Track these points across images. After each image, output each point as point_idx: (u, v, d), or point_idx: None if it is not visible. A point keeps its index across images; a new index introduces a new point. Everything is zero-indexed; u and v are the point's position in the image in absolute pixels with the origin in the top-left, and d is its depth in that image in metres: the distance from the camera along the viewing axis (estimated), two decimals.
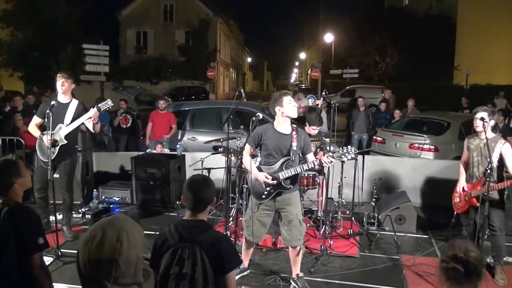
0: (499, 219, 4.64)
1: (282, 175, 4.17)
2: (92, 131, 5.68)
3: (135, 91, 21.16)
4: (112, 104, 5.59)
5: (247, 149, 4.38)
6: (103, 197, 7.25)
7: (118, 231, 1.53)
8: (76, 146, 5.80)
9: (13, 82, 23.56)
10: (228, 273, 2.36)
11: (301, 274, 4.45)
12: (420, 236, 5.99)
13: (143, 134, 9.49)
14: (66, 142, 5.37)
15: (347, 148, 4.08)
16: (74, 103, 5.49)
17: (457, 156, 8.85)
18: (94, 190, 7.17)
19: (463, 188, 4.94)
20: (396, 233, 5.69)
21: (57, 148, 5.35)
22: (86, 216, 6.51)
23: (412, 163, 7.87)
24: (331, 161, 4.02)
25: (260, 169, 4.27)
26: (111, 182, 7.54)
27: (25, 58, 23.24)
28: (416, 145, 9.21)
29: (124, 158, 7.95)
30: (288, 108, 4.16)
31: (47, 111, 5.09)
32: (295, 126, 4.33)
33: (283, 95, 4.22)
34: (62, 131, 5.35)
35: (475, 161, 4.74)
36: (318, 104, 12.31)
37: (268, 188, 4.21)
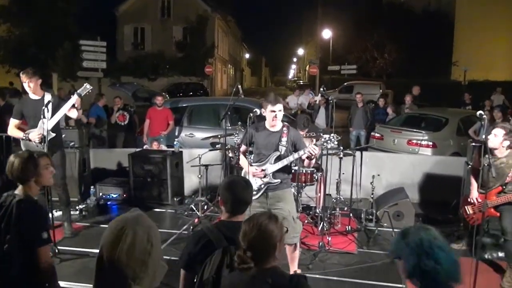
0: (511, 224, 4.54)
1: (271, 168, 4.17)
2: (75, 118, 5.61)
3: (133, 87, 21.09)
4: (92, 87, 5.48)
5: (242, 148, 4.43)
6: (101, 194, 7.21)
7: (147, 231, 1.50)
8: (76, 142, 5.71)
9: (10, 79, 23.47)
10: None
11: (298, 271, 4.42)
12: None
13: (140, 131, 9.46)
14: (54, 135, 5.25)
15: (329, 135, 4.07)
16: (48, 97, 5.32)
17: (455, 152, 8.88)
18: (92, 187, 7.14)
19: (476, 199, 4.85)
20: (394, 230, 5.68)
21: (46, 143, 5.21)
22: (84, 213, 6.49)
23: (410, 159, 7.86)
24: (314, 148, 3.99)
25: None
26: (108, 179, 7.51)
27: (22, 54, 23.14)
28: (414, 141, 9.21)
29: (121, 155, 7.92)
30: (267, 115, 4.17)
31: (44, 107, 5.03)
32: (286, 123, 4.32)
33: (268, 102, 4.16)
34: (47, 125, 5.17)
35: (488, 176, 4.63)
36: (316, 101, 12.31)
37: (258, 184, 4.20)
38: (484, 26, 27.76)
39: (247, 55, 68.20)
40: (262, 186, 4.23)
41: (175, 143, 7.82)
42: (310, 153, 3.99)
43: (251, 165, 4.26)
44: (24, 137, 5.25)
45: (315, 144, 4.05)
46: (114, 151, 8.70)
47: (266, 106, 4.18)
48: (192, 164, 6.82)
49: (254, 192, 4.23)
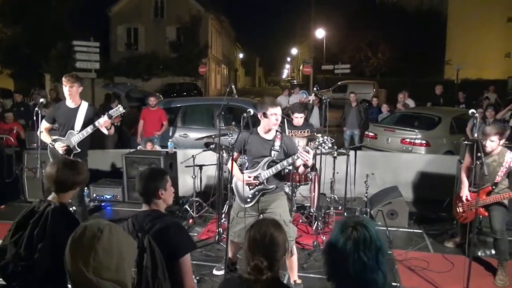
0: (501, 222, 4.56)
1: (264, 175, 4.12)
2: (107, 133, 5.39)
3: (126, 88, 20.96)
4: (124, 111, 5.29)
5: (234, 155, 4.33)
6: (94, 195, 7.20)
7: (101, 223, 1.54)
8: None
9: (3, 80, 23.35)
10: (180, 258, 2.42)
11: (299, 281, 4.38)
12: (412, 230, 6.01)
13: (134, 131, 9.43)
14: (79, 150, 5.13)
15: (323, 138, 3.97)
16: (84, 107, 5.19)
17: (449, 150, 8.93)
18: (85, 188, 7.11)
19: (466, 197, 4.87)
20: (388, 228, 5.70)
21: (71, 156, 5.11)
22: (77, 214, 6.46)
23: (404, 158, 7.89)
24: (308, 151, 3.87)
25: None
26: (102, 180, 7.48)
27: (14, 55, 23.01)
28: (408, 140, 9.25)
29: (115, 156, 7.90)
30: (269, 120, 4.07)
31: (36, 108, 5.00)
32: (279, 132, 4.25)
33: (270, 105, 4.09)
34: (74, 139, 5.12)
35: (479, 174, 4.60)
36: (310, 100, 12.33)
37: (252, 191, 4.17)
38: (476, 24, 27.94)
39: (241, 55, 68.16)
40: (257, 193, 4.18)
41: (169, 143, 7.81)
42: (304, 159, 3.86)
43: (243, 173, 4.18)
44: (51, 145, 5.16)
45: (307, 149, 3.91)
46: (108, 152, 8.66)
47: (266, 110, 4.06)
48: (186, 165, 6.81)
49: (249, 200, 4.20)
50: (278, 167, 4.07)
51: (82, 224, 1.57)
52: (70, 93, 5.13)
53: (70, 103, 5.21)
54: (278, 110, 4.08)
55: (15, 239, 2.57)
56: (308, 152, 3.87)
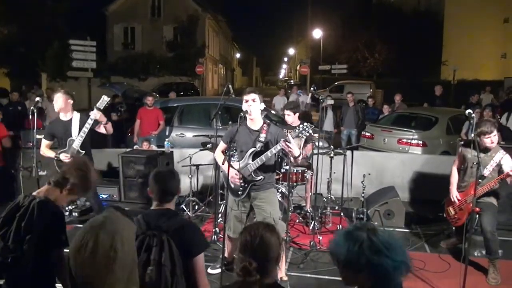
0: (491, 224, 4.57)
1: (251, 166, 4.13)
2: (106, 133, 5.51)
3: (123, 87, 20.92)
4: (109, 99, 5.45)
5: (221, 146, 4.39)
6: None
7: (112, 236, 1.45)
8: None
9: None
10: (195, 257, 2.46)
11: (285, 278, 4.37)
12: (408, 230, 6.01)
13: (131, 131, 9.40)
14: (83, 152, 5.27)
15: (303, 125, 3.95)
16: (76, 116, 5.36)
17: (445, 151, 8.95)
18: None
19: (456, 197, 4.87)
20: (385, 228, 5.69)
21: None
22: (73, 214, 6.44)
23: (401, 158, 7.89)
24: (289, 141, 3.82)
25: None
26: (98, 179, 7.43)
27: (11, 54, 22.91)
28: (405, 140, 9.26)
29: (112, 155, 7.87)
30: (243, 105, 4.18)
31: (32, 107, 5.02)
32: (267, 124, 4.26)
33: (244, 92, 4.24)
34: (76, 143, 5.24)
35: (471, 172, 4.63)
36: (308, 102, 12.31)
37: (242, 184, 4.17)
38: (473, 25, 28.02)
39: (238, 55, 68.12)
40: (246, 185, 4.18)
41: (165, 143, 7.79)
42: (288, 148, 3.81)
43: (232, 165, 4.19)
44: (55, 157, 5.27)
45: (288, 139, 3.84)
46: (104, 151, 8.61)
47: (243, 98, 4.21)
48: (182, 164, 6.80)
49: (240, 192, 4.21)
50: (263, 158, 4.06)
51: (89, 235, 1.47)
52: (57, 104, 5.28)
53: (63, 116, 5.37)
54: (249, 96, 4.15)
55: (2, 234, 2.62)
56: (289, 142, 3.81)
